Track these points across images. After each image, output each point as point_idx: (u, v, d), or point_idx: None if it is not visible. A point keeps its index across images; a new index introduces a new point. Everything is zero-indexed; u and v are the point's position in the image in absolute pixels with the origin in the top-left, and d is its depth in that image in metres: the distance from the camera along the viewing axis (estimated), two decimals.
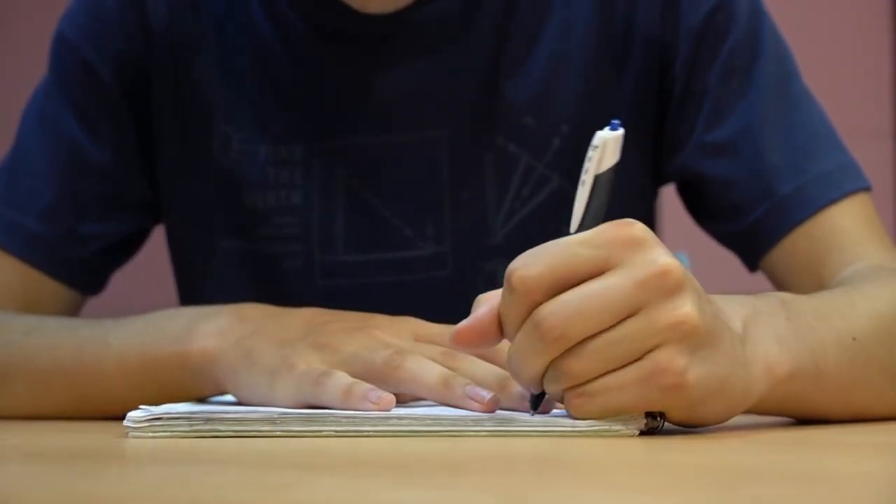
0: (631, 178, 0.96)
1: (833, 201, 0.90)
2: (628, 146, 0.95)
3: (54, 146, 0.98)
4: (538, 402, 0.64)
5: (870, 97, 2.40)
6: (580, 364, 0.59)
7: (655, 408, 0.60)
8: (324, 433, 0.63)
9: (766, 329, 0.65)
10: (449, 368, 0.69)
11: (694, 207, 0.97)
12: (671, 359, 0.58)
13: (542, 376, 0.60)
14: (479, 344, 0.62)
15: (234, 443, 0.61)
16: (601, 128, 0.95)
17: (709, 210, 0.95)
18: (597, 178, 0.63)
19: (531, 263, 0.59)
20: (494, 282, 0.92)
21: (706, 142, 0.93)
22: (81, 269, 0.99)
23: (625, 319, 0.58)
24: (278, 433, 0.63)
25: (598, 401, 0.59)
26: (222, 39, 0.97)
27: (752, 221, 0.91)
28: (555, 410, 0.64)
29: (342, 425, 0.63)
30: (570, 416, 0.61)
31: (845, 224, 0.89)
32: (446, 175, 0.94)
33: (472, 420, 0.62)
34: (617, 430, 0.60)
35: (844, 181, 0.91)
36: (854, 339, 0.70)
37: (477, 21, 0.95)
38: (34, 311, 0.94)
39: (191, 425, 0.64)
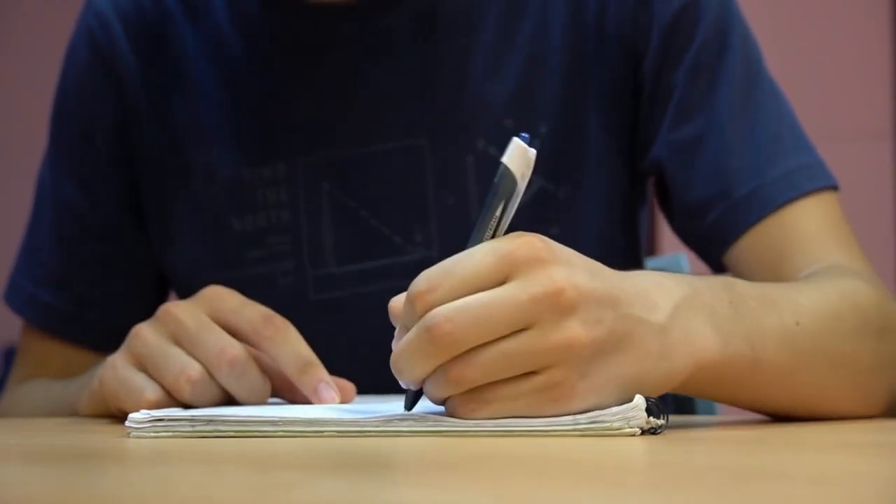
0: (610, 176, 0.96)
1: (790, 200, 0.89)
2: (607, 145, 0.96)
3: (59, 217, 1.03)
4: (415, 401, 0.65)
5: (870, 97, 2.40)
6: (470, 371, 0.60)
7: (548, 414, 0.61)
8: (325, 433, 0.63)
9: (699, 313, 0.65)
10: (253, 346, 0.74)
11: (661, 205, 0.98)
12: (563, 377, 0.60)
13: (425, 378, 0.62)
14: None
15: (235, 443, 0.61)
16: (576, 127, 0.95)
17: (672, 209, 0.96)
18: (501, 183, 0.63)
19: (435, 286, 0.60)
20: None
21: (670, 139, 0.93)
22: (100, 331, 1.02)
23: (517, 332, 0.60)
24: (280, 433, 0.63)
25: (491, 407, 0.61)
26: (194, 72, 0.98)
27: (710, 222, 0.92)
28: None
29: (344, 426, 0.63)
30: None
31: (804, 224, 0.89)
32: (430, 181, 0.94)
33: (473, 422, 0.62)
34: (617, 430, 0.61)
35: (804, 180, 0.90)
36: (798, 323, 0.71)
37: (447, 26, 0.95)
38: (71, 376, 0.99)
39: (192, 426, 0.64)
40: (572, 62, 0.95)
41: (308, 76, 0.96)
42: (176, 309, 0.75)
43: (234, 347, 0.73)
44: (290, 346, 0.74)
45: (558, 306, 0.59)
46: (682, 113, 0.93)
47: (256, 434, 0.63)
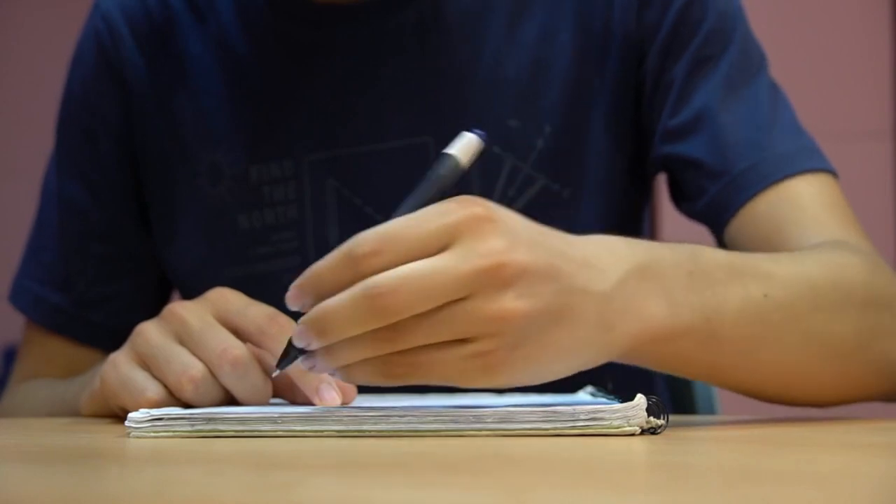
0: (614, 176, 0.96)
1: (788, 176, 0.89)
2: (612, 144, 0.96)
3: (64, 217, 1.03)
4: (289, 363, 0.65)
5: (870, 97, 2.40)
6: (402, 336, 0.60)
7: (476, 383, 0.62)
8: (325, 432, 0.63)
9: (650, 282, 0.65)
10: (258, 345, 0.73)
11: (670, 192, 0.98)
12: (495, 347, 0.60)
13: None
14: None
15: (235, 443, 0.61)
16: (583, 127, 0.96)
17: (678, 192, 0.96)
18: (441, 164, 0.65)
19: (382, 250, 0.60)
20: None
21: (669, 128, 0.94)
22: (104, 330, 1.02)
23: (452, 301, 0.60)
24: (279, 432, 0.63)
25: (419, 372, 0.61)
26: (200, 71, 0.99)
27: (710, 198, 0.92)
28: (552, 400, 0.64)
29: (343, 424, 0.63)
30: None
31: (802, 199, 0.88)
32: None
33: (474, 417, 0.62)
34: (617, 428, 0.61)
35: (803, 159, 0.90)
36: (766, 295, 0.70)
37: (453, 26, 0.95)
38: (74, 375, 0.98)
39: (192, 425, 0.64)
40: (578, 63, 0.95)
41: (315, 75, 0.96)
42: (181, 309, 0.75)
43: (237, 348, 0.73)
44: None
45: (497, 280, 0.60)
46: (679, 102, 0.94)
47: (256, 434, 0.63)
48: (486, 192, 0.94)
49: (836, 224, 0.87)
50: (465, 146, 0.66)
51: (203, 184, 0.99)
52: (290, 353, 0.64)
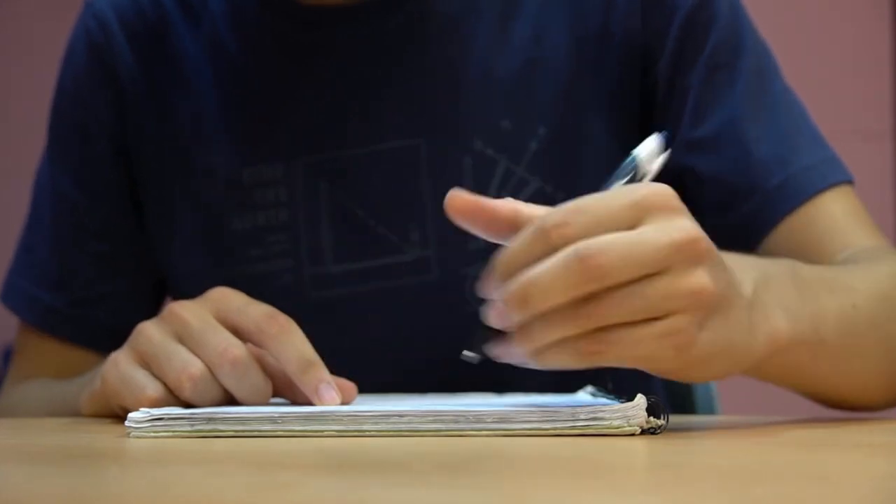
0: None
1: (819, 191, 0.91)
2: (610, 147, 0.96)
3: (57, 215, 1.03)
4: (483, 343, 0.64)
5: (870, 97, 2.40)
6: (601, 311, 0.60)
7: (664, 365, 0.62)
8: (324, 432, 0.63)
9: (774, 296, 0.67)
10: (258, 344, 0.73)
11: (686, 204, 0.97)
12: (686, 324, 0.61)
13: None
14: (471, 219, 0.66)
15: (235, 443, 0.61)
16: (576, 129, 0.95)
17: (698, 205, 0.95)
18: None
19: (571, 221, 0.61)
20: None
21: (690, 139, 0.93)
22: (98, 330, 1.02)
23: (650, 276, 0.60)
24: (279, 432, 0.63)
25: (613, 351, 0.61)
26: (193, 72, 0.99)
27: (742, 215, 0.92)
28: (552, 400, 0.64)
29: (343, 424, 0.63)
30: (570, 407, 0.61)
31: (834, 212, 0.91)
32: (427, 181, 0.94)
33: (474, 417, 0.62)
34: (617, 428, 0.61)
35: (829, 173, 0.92)
36: (854, 306, 0.73)
37: (445, 28, 0.95)
38: (68, 375, 0.98)
39: (192, 425, 0.64)
40: (573, 64, 0.95)
41: (307, 77, 0.96)
42: (181, 308, 0.75)
43: (237, 347, 0.73)
44: (292, 345, 0.74)
45: (693, 254, 0.61)
46: (700, 111, 0.93)
47: (256, 434, 0.63)
48: (481, 195, 0.94)
49: (865, 232, 0.91)
50: (648, 150, 0.67)
51: (197, 185, 0.98)
52: (481, 335, 0.64)
